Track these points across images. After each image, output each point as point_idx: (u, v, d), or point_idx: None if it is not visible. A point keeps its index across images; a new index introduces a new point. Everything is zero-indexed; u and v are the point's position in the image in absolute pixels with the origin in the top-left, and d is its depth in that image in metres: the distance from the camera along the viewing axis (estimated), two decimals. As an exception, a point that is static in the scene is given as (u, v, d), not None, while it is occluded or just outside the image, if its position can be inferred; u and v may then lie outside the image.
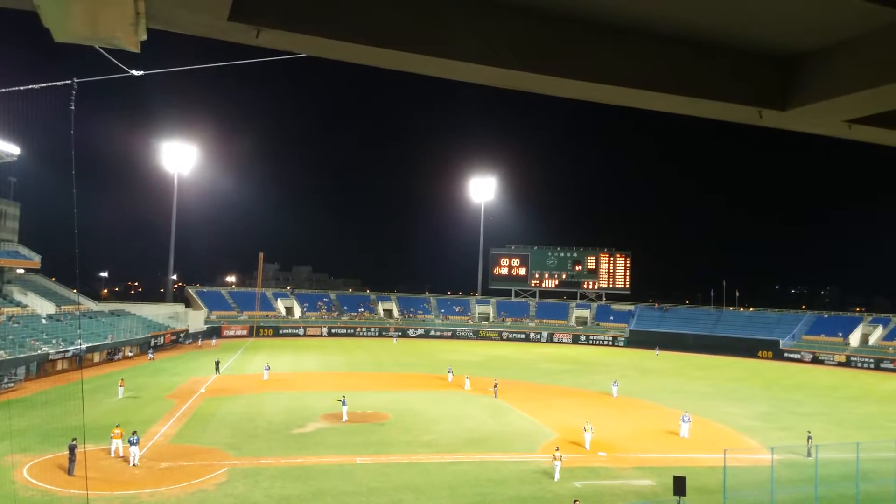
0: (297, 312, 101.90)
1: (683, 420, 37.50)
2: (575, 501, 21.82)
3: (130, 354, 66.35)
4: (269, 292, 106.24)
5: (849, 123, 7.44)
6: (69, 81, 11.77)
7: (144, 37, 4.77)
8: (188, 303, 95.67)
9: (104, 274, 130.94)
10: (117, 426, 30.20)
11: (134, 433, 28.99)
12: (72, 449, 26.21)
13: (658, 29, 6.56)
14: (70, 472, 26.07)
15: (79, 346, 55.91)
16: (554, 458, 28.52)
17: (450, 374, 55.83)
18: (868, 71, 6.22)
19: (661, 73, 6.81)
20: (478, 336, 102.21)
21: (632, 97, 7.16)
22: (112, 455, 29.07)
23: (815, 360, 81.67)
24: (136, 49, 4.77)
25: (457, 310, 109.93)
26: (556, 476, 27.90)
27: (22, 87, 13.73)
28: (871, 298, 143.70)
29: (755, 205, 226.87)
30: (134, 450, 28.22)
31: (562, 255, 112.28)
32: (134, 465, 27.91)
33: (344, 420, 38.00)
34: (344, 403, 38.85)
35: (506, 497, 25.68)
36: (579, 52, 6.54)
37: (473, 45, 6.18)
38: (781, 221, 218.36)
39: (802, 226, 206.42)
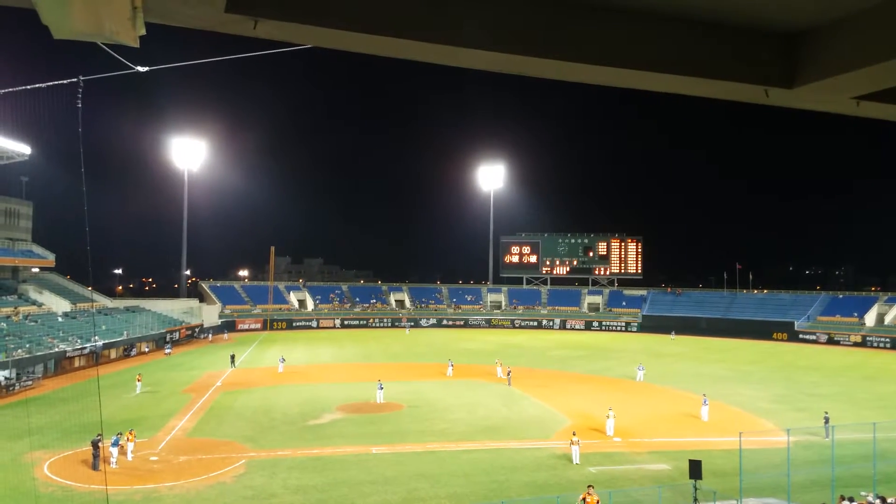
0: (310, 305, 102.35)
1: (704, 403, 37.60)
2: (589, 486, 21.84)
3: (146, 350, 67.02)
4: (281, 285, 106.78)
5: (856, 100, 7.32)
6: (75, 79, 11.79)
7: (143, 31, 4.75)
8: (202, 298, 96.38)
9: (118, 271, 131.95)
10: (119, 433, 28.62)
11: (119, 434, 28.22)
12: (95, 444, 26.43)
13: (662, 9, 6.48)
14: (95, 467, 26.35)
15: (95, 343, 56.52)
16: (572, 443, 28.80)
17: (450, 368, 53.70)
18: (876, 45, 6.10)
19: (665, 54, 6.72)
20: (490, 324, 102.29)
21: (637, 79, 7.07)
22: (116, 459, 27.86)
23: (831, 341, 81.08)
24: (134, 44, 4.75)
25: (468, 299, 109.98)
26: (577, 460, 28.24)
27: (29, 87, 13.79)
28: (886, 278, 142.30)
29: (767, 186, 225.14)
30: (114, 450, 27.39)
31: (573, 241, 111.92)
32: (112, 466, 26.82)
33: (379, 401, 41.09)
34: (381, 388, 42.18)
35: (521, 484, 25.78)
36: (583, 34, 6.46)
37: (475, 30, 6.10)
38: (795, 202, 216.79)
39: (816, 206, 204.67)
